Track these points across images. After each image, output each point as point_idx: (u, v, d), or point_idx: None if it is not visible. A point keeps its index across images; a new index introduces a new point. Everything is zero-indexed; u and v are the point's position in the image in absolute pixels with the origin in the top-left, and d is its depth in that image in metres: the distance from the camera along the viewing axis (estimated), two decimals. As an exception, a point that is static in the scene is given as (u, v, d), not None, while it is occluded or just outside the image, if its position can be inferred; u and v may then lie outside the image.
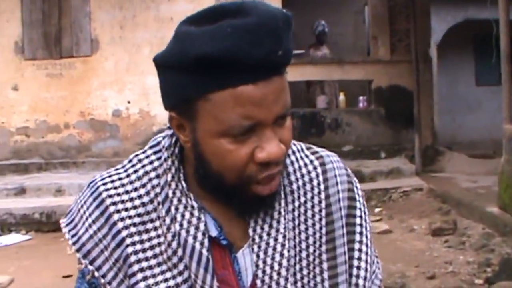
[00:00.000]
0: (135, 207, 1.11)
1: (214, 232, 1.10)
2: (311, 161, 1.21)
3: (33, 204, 7.88)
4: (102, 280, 1.10)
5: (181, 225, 1.08)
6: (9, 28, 9.88)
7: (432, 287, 4.88)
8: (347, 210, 1.19)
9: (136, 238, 1.09)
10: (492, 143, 11.28)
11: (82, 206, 1.14)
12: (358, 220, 1.20)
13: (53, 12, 9.76)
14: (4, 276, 5.68)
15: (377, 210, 7.81)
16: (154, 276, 1.08)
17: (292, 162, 1.19)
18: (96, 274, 1.11)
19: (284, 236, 1.11)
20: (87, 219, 1.12)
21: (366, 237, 1.20)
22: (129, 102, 9.90)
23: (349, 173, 1.24)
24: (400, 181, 8.66)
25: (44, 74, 9.88)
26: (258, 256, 1.10)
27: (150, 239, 1.09)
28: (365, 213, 1.23)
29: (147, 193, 1.12)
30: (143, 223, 1.10)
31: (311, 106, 10.89)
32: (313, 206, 1.16)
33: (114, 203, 1.11)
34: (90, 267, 1.11)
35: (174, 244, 1.07)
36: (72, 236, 1.13)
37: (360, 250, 1.19)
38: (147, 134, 9.46)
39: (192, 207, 1.09)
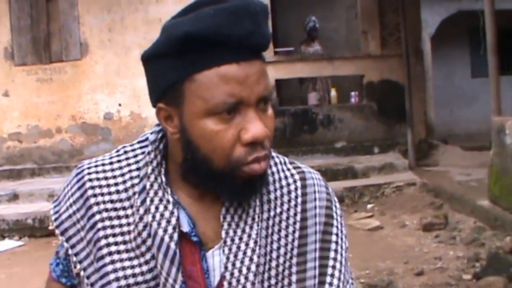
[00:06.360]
0: (109, 193, 1.16)
1: (186, 228, 1.13)
2: (292, 175, 1.23)
3: (26, 210, 7.88)
4: (74, 258, 1.16)
5: (153, 217, 1.11)
6: (-2, 34, 9.86)
7: (420, 284, 4.85)
8: (323, 226, 1.21)
9: (107, 223, 1.14)
10: (489, 135, 11.19)
11: (67, 186, 1.20)
12: (334, 238, 1.22)
13: (42, 18, 9.75)
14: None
15: (369, 206, 7.79)
16: (121, 260, 1.12)
17: (272, 173, 1.22)
18: (69, 251, 1.17)
19: (256, 242, 1.13)
20: (69, 198, 1.18)
21: (341, 255, 1.22)
22: (120, 105, 9.89)
23: (329, 192, 1.27)
24: (393, 176, 8.61)
25: (34, 79, 9.86)
26: (228, 258, 1.12)
27: (120, 225, 1.14)
28: (342, 232, 1.24)
29: (124, 182, 1.16)
30: (115, 209, 1.15)
31: (304, 104, 10.83)
32: (288, 218, 1.18)
33: (92, 187, 1.16)
34: (66, 244, 1.17)
35: (144, 234, 1.11)
36: (55, 213, 1.20)
37: (333, 267, 1.20)
38: (139, 136, 9.39)
39: (168, 201, 1.12)
